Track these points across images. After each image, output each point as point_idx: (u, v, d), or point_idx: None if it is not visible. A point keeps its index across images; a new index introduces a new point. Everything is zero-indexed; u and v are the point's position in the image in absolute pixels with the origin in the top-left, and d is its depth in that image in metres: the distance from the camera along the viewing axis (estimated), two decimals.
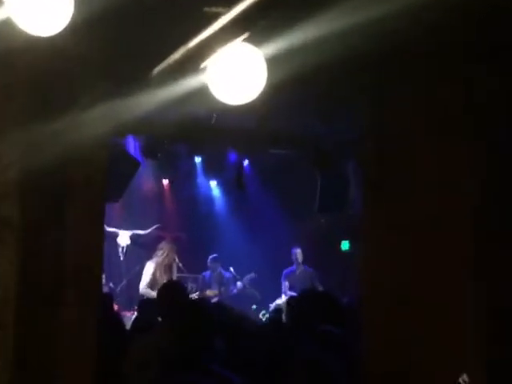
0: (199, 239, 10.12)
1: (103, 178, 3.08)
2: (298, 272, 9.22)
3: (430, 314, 2.64)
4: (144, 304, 5.61)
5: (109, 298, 5.96)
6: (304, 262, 9.22)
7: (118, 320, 4.47)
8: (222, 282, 9.23)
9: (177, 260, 8.68)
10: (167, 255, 8.49)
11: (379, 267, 2.92)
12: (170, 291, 3.89)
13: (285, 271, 9.28)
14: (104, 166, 3.10)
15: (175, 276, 8.59)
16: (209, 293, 8.97)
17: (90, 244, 2.97)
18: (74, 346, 2.86)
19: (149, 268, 8.44)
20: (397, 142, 2.83)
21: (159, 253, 8.52)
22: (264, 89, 3.07)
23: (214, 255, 9.31)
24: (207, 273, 9.36)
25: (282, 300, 8.61)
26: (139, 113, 3.56)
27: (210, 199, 10.56)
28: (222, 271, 9.28)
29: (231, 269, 9.31)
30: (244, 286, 9.17)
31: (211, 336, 3.14)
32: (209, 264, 9.31)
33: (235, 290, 9.14)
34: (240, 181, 6.56)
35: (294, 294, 8.59)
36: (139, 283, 8.41)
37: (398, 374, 2.71)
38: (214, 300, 8.95)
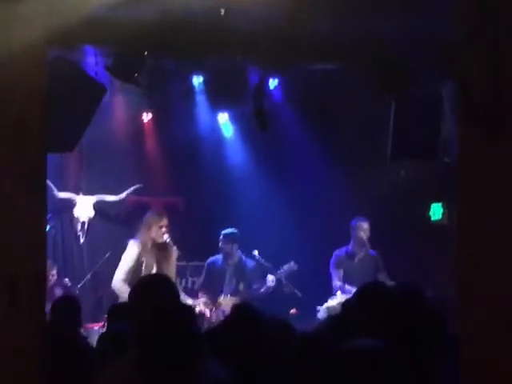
0: (204, 207, 10.16)
1: (41, 115, 3.01)
2: (357, 258, 9.19)
3: None
4: (117, 312, 5.64)
5: (69, 305, 6.03)
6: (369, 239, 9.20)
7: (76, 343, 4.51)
8: (243, 276, 9.19)
9: (168, 240, 8.66)
10: (151, 231, 8.49)
11: (487, 249, 2.84)
12: (146, 295, 3.85)
13: (336, 253, 9.22)
14: (41, 96, 3.02)
15: (173, 266, 8.56)
16: (223, 301, 8.91)
17: (26, 228, 2.93)
18: None
19: (131, 250, 8.46)
20: None
21: (141, 230, 8.54)
22: None
23: (229, 230, 9.25)
24: (218, 258, 9.32)
25: (337, 300, 8.53)
26: (96, 7, 3.45)
27: (218, 142, 10.53)
28: (242, 258, 9.24)
29: (255, 253, 9.26)
30: (279, 282, 9.10)
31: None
32: (220, 244, 9.25)
33: (263, 289, 9.05)
34: (261, 115, 6.37)
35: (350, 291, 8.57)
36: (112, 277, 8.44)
37: None
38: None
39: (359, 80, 7.99)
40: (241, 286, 9.11)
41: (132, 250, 8.46)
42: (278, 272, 9.07)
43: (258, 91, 6.44)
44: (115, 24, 5.14)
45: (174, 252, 8.61)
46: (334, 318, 5.38)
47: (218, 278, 9.17)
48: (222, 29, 5.74)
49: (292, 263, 9.10)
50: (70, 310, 5.96)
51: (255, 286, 9.09)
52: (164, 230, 8.54)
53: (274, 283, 9.02)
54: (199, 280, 9.39)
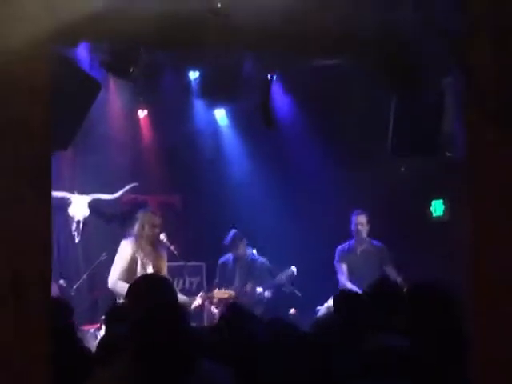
0: (202, 205, 10.18)
1: (46, 113, 3.04)
2: (359, 251, 9.27)
3: None
4: (115, 312, 5.62)
5: (61, 307, 6.04)
6: (369, 234, 9.28)
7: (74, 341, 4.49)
8: (251, 276, 9.24)
9: (165, 239, 8.68)
10: (144, 230, 8.48)
11: (495, 250, 2.84)
12: (143, 294, 3.88)
13: (339, 248, 9.32)
14: (46, 94, 3.05)
15: (164, 267, 8.56)
16: (218, 294, 8.99)
17: (32, 227, 2.95)
18: None
19: (124, 250, 8.47)
20: None
21: (135, 227, 8.56)
22: None
23: (234, 231, 9.28)
24: (229, 257, 9.35)
25: None
26: (95, 3, 3.49)
27: (215, 139, 10.55)
28: (252, 256, 9.29)
29: (253, 251, 9.31)
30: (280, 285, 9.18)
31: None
32: (228, 244, 9.28)
33: (269, 293, 9.11)
34: (267, 111, 6.35)
35: (354, 287, 8.59)
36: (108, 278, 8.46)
37: None
38: None
39: (362, 75, 7.98)
40: (248, 287, 9.15)
41: (125, 249, 8.45)
42: (278, 277, 9.13)
43: (263, 86, 6.40)
44: (114, 20, 5.14)
45: (165, 251, 8.60)
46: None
47: (230, 277, 9.25)
48: (224, 25, 5.72)
49: (290, 269, 9.17)
50: (61, 312, 5.97)
51: (260, 290, 9.14)
52: (157, 229, 8.52)
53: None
54: (197, 280, 9.40)
